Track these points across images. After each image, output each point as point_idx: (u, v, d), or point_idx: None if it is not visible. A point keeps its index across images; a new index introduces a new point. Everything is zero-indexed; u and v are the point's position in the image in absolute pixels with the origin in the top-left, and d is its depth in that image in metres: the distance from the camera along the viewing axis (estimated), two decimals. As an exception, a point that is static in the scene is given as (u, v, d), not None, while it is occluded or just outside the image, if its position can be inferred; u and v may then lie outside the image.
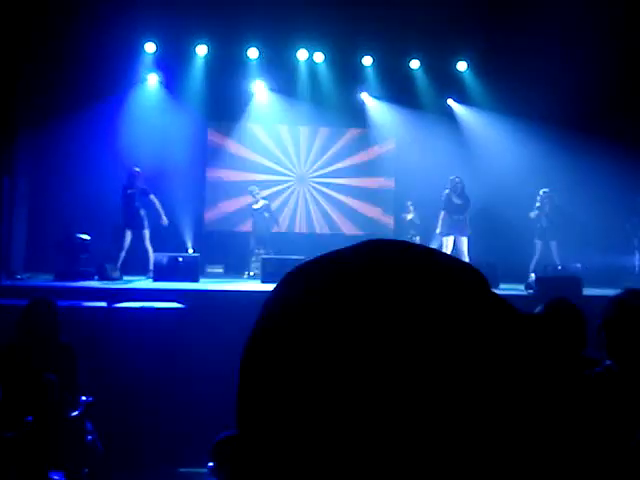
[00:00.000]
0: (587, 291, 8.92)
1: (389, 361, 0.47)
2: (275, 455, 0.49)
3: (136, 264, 10.47)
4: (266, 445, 0.49)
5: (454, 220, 10.80)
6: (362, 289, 0.50)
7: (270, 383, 0.50)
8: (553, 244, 11.25)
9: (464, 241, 10.81)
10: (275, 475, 0.49)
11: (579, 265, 10.71)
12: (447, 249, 10.72)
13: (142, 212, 10.40)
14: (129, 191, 10.39)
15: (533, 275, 9.47)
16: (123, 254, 10.31)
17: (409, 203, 12.59)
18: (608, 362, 2.79)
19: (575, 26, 11.15)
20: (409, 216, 12.54)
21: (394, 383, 0.47)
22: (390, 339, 0.47)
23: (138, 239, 10.44)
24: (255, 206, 11.96)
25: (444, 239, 10.85)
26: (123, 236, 10.37)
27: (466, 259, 10.49)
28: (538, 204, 11.31)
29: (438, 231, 11.18)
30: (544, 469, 0.50)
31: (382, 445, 0.46)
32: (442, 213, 10.99)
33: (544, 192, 11.34)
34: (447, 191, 10.91)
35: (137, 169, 10.55)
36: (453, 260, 0.54)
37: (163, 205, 10.74)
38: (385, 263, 0.52)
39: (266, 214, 11.94)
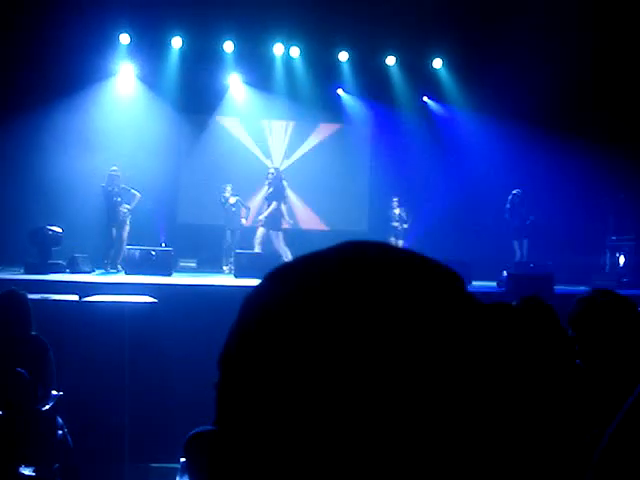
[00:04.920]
0: (559, 288, 9.04)
1: (373, 361, 0.47)
2: (256, 452, 0.49)
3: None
4: (247, 441, 0.49)
5: (269, 213, 10.89)
6: (344, 289, 0.50)
7: (254, 380, 0.50)
8: (525, 242, 11.45)
9: (277, 235, 10.80)
10: (253, 471, 0.49)
11: (551, 263, 10.83)
12: (258, 239, 10.81)
13: (124, 209, 10.46)
14: (109, 189, 10.38)
15: (505, 272, 9.55)
16: (112, 252, 10.46)
17: (395, 199, 12.33)
18: (576, 360, 2.83)
19: (550, 26, 11.25)
20: (396, 211, 12.29)
21: (377, 382, 0.47)
22: (370, 339, 0.48)
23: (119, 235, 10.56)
24: (231, 201, 11.90)
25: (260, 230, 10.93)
26: (110, 234, 10.45)
27: (287, 254, 10.43)
28: (508, 205, 11.50)
29: (261, 217, 11.17)
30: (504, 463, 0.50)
31: (360, 443, 0.46)
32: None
33: (515, 192, 11.49)
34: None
35: (114, 169, 10.48)
36: (429, 261, 0.55)
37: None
38: (366, 264, 0.53)
39: (233, 209, 11.86)
